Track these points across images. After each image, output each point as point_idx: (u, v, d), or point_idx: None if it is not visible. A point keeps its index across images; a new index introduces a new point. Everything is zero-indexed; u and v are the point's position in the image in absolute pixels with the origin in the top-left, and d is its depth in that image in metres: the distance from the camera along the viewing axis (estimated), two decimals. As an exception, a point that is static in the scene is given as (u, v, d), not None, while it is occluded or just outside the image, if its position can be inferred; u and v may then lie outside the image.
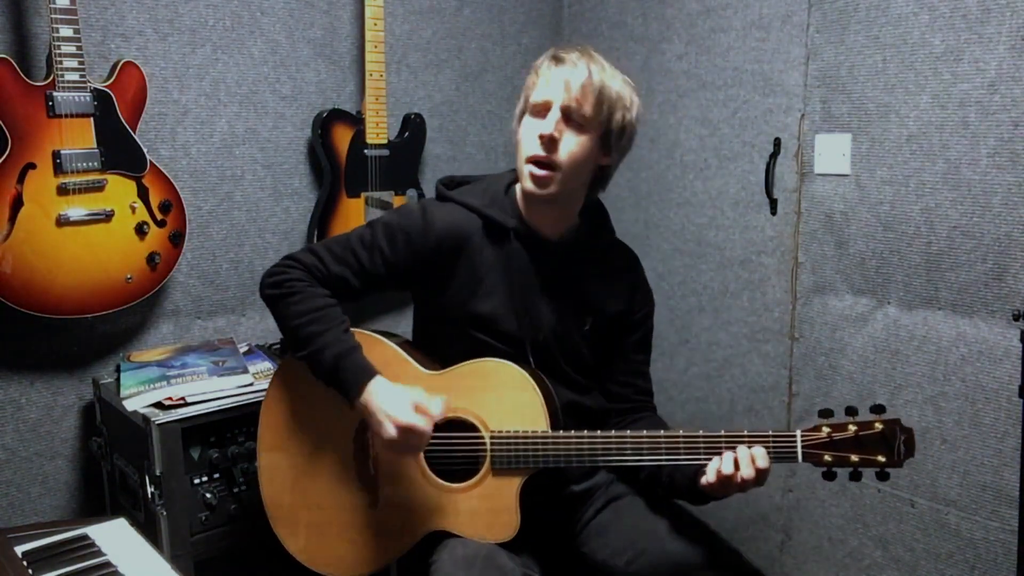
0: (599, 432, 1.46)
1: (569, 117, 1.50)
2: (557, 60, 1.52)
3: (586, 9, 2.79)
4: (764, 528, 2.44)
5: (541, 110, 1.51)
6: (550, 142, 1.49)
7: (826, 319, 2.25)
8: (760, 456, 1.39)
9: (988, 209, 1.92)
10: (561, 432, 1.48)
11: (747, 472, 1.38)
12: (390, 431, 1.44)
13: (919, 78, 2.00)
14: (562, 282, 1.60)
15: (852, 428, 1.38)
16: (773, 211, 2.33)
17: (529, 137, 1.52)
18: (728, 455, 1.40)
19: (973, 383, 1.98)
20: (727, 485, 1.40)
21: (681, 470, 1.49)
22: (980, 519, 1.99)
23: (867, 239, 2.14)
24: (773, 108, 2.30)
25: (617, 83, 1.53)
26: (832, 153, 2.18)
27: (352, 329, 1.61)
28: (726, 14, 2.39)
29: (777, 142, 2.30)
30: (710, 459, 1.42)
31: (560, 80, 1.49)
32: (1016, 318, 1.58)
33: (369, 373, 1.50)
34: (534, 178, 1.51)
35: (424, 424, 1.44)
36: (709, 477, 1.41)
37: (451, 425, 1.54)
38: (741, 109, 2.38)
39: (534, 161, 1.51)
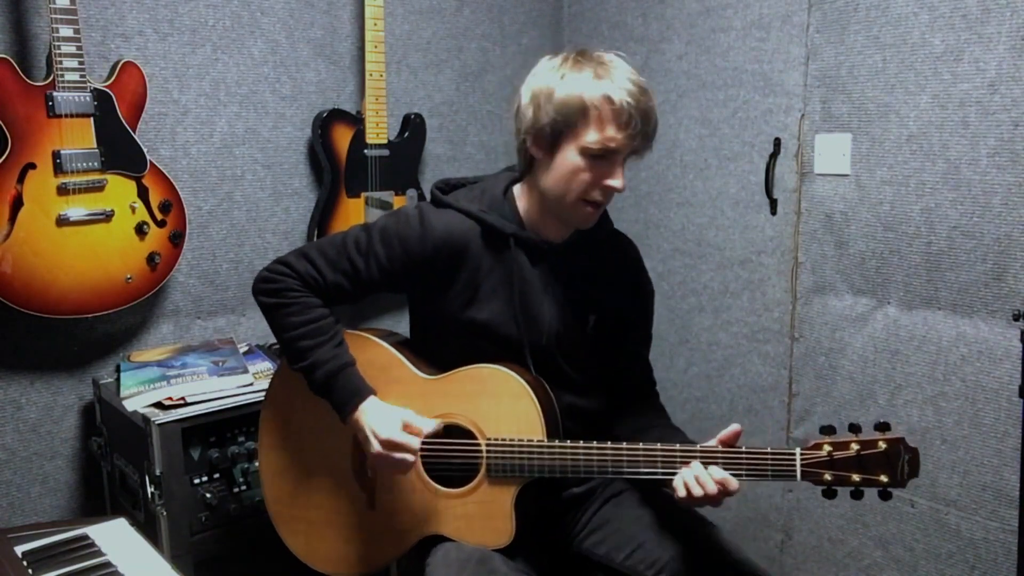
0: (595, 443, 1.45)
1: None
2: (617, 102, 1.41)
3: (586, 9, 2.79)
4: (764, 528, 2.44)
5: (601, 154, 1.44)
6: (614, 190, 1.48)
7: (826, 319, 2.25)
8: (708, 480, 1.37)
9: (988, 209, 1.92)
10: (557, 442, 1.47)
11: (697, 491, 1.37)
12: (376, 446, 1.48)
13: (919, 78, 2.00)
14: (563, 283, 1.59)
15: (854, 447, 1.35)
16: (773, 211, 2.33)
17: (590, 181, 1.46)
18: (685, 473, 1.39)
19: (973, 383, 1.98)
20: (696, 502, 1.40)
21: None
22: (980, 519, 1.99)
23: (867, 239, 2.14)
24: (773, 108, 2.30)
25: (656, 101, 1.48)
26: (832, 153, 2.18)
27: (349, 331, 1.61)
28: (726, 14, 2.39)
29: (777, 142, 2.30)
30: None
31: (628, 129, 1.43)
32: (1016, 318, 1.57)
33: (362, 394, 1.52)
34: (589, 217, 1.51)
35: (410, 441, 1.47)
36: (678, 493, 1.40)
37: (448, 431, 1.53)
38: (741, 109, 2.38)
39: (592, 203, 1.49)
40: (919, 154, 2.02)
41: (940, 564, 2.08)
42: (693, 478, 1.37)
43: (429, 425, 1.51)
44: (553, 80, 1.45)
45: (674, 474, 1.42)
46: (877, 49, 2.06)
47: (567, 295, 1.59)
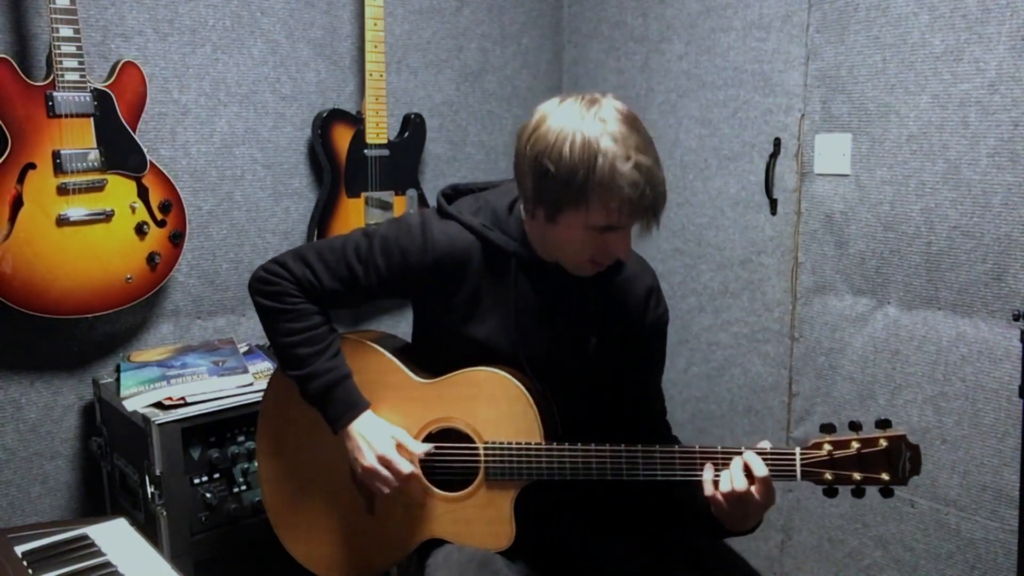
0: (593, 445, 1.44)
1: None
2: (627, 195, 1.33)
3: (586, 9, 2.79)
4: (764, 528, 2.43)
5: (607, 229, 1.39)
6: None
7: (826, 319, 2.25)
8: (756, 466, 1.35)
9: (988, 209, 1.92)
10: (555, 444, 1.46)
11: (740, 484, 1.34)
12: (370, 459, 1.48)
13: (919, 78, 2.00)
14: (565, 303, 1.54)
15: (855, 445, 1.33)
16: (773, 211, 2.33)
17: (592, 251, 1.42)
18: (724, 473, 1.36)
19: (973, 383, 1.98)
20: (733, 503, 1.36)
21: (695, 503, 1.44)
22: (980, 519, 2.00)
23: (867, 239, 2.14)
24: (773, 108, 2.30)
25: (665, 183, 1.40)
26: (832, 153, 2.18)
27: (346, 335, 1.61)
28: (726, 14, 2.39)
29: (777, 142, 2.30)
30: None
31: (636, 217, 1.38)
32: (1016, 318, 1.57)
33: (358, 408, 1.51)
34: (589, 272, 1.47)
35: (403, 465, 1.48)
36: (708, 491, 1.38)
37: (446, 435, 1.53)
38: (741, 109, 2.38)
39: (595, 263, 1.46)
40: (919, 154, 2.02)
41: (940, 564, 2.08)
42: (728, 476, 1.35)
43: (421, 449, 1.51)
44: (556, 152, 1.33)
45: (672, 476, 1.41)
46: (877, 49, 2.06)
47: (568, 316, 1.54)
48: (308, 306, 1.54)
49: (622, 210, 1.34)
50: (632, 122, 1.36)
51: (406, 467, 1.48)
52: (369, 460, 1.48)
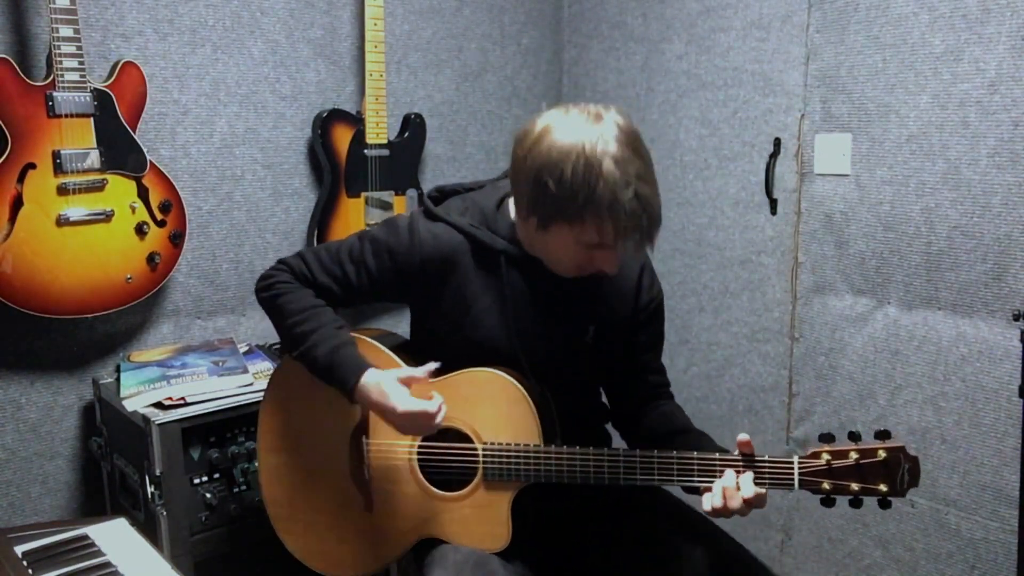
0: (591, 449, 1.44)
1: None
2: (624, 221, 1.33)
3: (586, 9, 2.79)
4: (764, 528, 2.44)
5: (597, 246, 1.39)
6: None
7: (826, 319, 2.25)
8: (746, 485, 1.36)
9: (988, 209, 1.92)
10: (553, 447, 1.46)
11: (734, 504, 1.35)
12: (404, 405, 1.44)
13: (919, 78, 2.00)
14: (559, 296, 1.54)
15: (853, 455, 1.33)
16: (773, 211, 2.33)
17: (581, 263, 1.43)
18: (717, 486, 1.37)
19: (973, 383, 1.98)
20: (721, 513, 1.38)
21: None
22: (980, 519, 2.00)
23: (867, 239, 2.14)
24: (773, 108, 2.30)
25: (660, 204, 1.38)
26: (832, 153, 2.18)
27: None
28: (726, 14, 2.39)
29: (777, 142, 2.30)
30: (703, 480, 1.40)
31: (629, 240, 1.36)
32: (1016, 318, 1.57)
33: (364, 367, 1.50)
34: (577, 276, 1.48)
35: (428, 406, 1.44)
36: (706, 507, 1.39)
37: (445, 434, 1.53)
38: (741, 109, 2.38)
39: (580, 270, 1.46)
40: (919, 154, 2.02)
41: (940, 564, 2.08)
42: (721, 491, 1.36)
43: (426, 370, 1.48)
44: (557, 170, 1.33)
45: (669, 480, 1.41)
46: (877, 49, 2.06)
47: (563, 308, 1.55)
48: (305, 290, 1.56)
49: (616, 234, 1.35)
50: (634, 143, 1.35)
51: (431, 406, 1.44)
52: (404, 406, 1.43)
